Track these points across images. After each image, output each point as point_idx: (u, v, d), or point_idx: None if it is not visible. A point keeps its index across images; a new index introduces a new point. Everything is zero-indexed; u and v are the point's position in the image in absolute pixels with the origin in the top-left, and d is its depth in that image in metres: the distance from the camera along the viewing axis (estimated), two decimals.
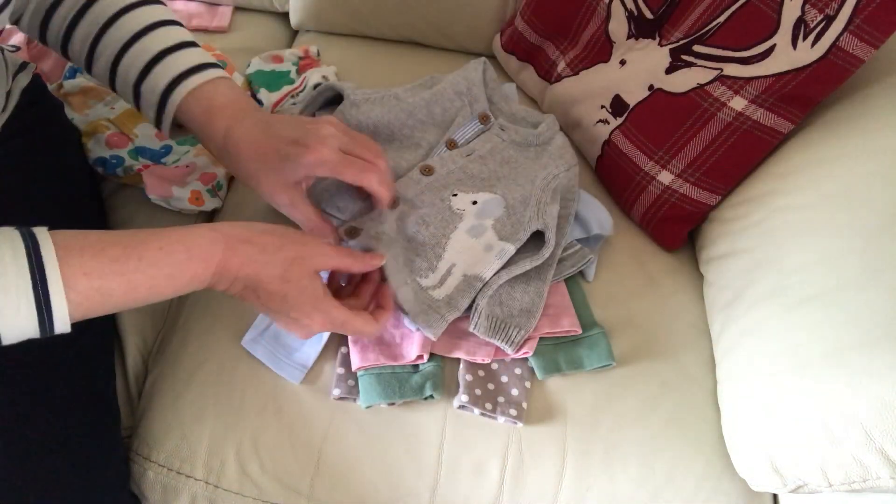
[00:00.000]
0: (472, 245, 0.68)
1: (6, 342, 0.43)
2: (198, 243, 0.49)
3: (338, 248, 0.59)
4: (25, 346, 0.44)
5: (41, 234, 0.44)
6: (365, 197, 0.67)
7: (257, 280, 0.52)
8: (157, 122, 0.62)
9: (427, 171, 0.73)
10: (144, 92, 0.61)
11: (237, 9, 1.06)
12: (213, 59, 0.62)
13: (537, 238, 0.69)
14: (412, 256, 0.67)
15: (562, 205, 0.73)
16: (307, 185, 0.64)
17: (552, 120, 0.80)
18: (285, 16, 1.06)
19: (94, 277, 0.44)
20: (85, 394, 0.61)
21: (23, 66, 0.71)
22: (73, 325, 0.45)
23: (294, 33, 1.08)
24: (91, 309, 0.45)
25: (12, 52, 0.87)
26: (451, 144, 0.77)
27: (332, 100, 0.80)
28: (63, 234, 0.45)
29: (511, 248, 0.67)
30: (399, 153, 0.76)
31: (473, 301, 0.66)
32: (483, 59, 0.83)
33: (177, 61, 0.60)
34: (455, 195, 0.72)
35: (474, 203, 0.71)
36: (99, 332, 0.66)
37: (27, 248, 0.43)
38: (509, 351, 0.65)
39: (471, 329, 0.64)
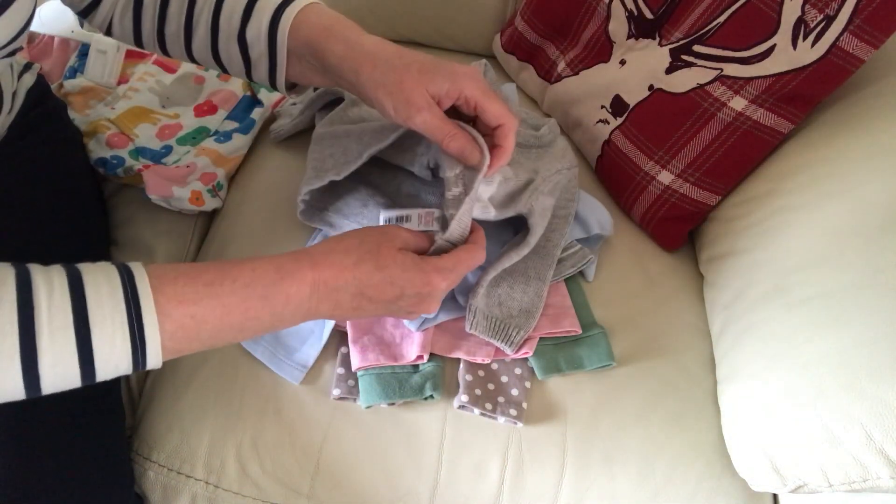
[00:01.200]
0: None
1: (100, 378, 0.43)
2: (285, 262, 0.49)
3: (414, 232, 0.56)
4: None
5: (136, 266, 0.44)
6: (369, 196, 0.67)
7: (357, 281, 0.51)
8: (272, 69, 0.61)
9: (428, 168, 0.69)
10: (251, 36, 0.59)
11: None
12: None
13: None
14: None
15: (561, 205, 0.72)
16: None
17: (553, 123, 0.79)
18: None
19: (189, 304, 0.44)
20: (91, 393, 0.61)
21: (28, 67, 0.71)
22: None
23: None
24: (185, 339, 0.45)
25: (7, 56, 0.87)
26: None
27: (331, 102, 0.80)
28: (157, 266, 0.45)
29: (487, 204, 0.63)
30: (399, 157, 0.73)
31: (468, 302, 0.65)
32: (484, 61, 0.82)
33: None
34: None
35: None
36: None
37: (122, 279, 0.43)
38: (509, 351, 0.65)
39: (468, 329, 0.64)
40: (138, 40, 0.65)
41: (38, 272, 0.42)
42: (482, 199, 0.63)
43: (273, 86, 0.63)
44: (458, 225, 0.57)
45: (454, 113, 0.58)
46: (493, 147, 0.57)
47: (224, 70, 0.65)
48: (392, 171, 0.73)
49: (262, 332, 0.49)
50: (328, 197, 0.71)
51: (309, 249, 0.52)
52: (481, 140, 0.56)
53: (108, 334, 0.41)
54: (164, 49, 0.65)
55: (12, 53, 0.57)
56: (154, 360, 0.44)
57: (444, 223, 0.58)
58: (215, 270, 0.46)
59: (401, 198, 0.71)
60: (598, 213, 0.74)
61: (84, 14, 0.64)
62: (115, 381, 0.66)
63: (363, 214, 0.68)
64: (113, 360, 0.42)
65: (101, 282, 0.42)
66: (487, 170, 0.57)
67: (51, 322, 0.40)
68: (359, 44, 0.57)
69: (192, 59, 0.65)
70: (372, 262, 0.51)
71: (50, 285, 0.41)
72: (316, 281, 0.49)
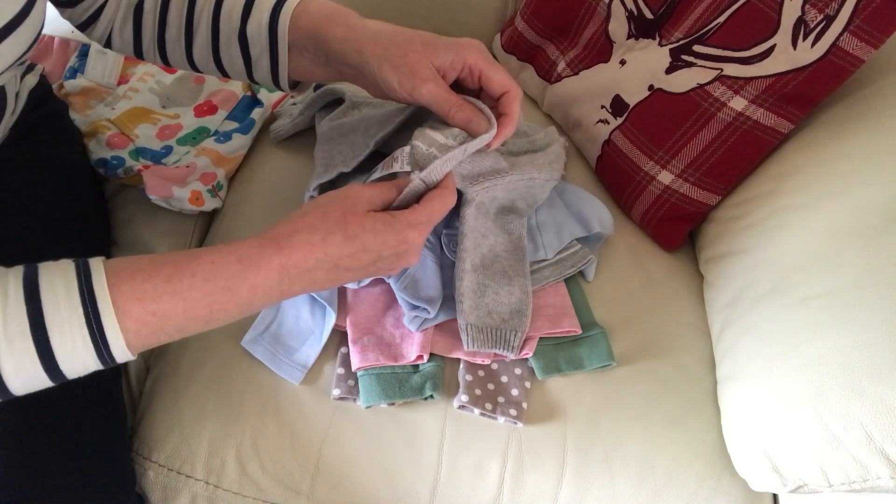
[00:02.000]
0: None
1: (71, 377, 0.43)
2: (247, 251, 0.47)
3: (377, 184, 0.54)
4: None
5: (94, 264, 0.43)
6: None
7: (329, 256, 0.49)
8: (273, 65, 0.60)
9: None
10: (251, 33, 0.58)
11: None
12: None
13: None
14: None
15: (520, 213, 0.72)
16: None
17: (552, 130, 0.78)
18: None
19: (149, 301, 0.43)
20: (93, 394, 0.61)
21: (30, 68, 0.71)
22: None
23: None
24: (151, 335, 0.44)
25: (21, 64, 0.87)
26: (444, 149, 0.74)
27: (332, 103, 0.80)
28: (115, 261, 0.44)
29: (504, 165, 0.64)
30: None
31: (458, 322, 0.64)
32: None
33: None
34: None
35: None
36: None
37: (79, 280, 0.42)
38: (511, 356, 0.65)
39: (466, 348, 0.64)
40: (138, 49, 0.64)
41: None
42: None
43: (276, 84, 0.63)
44: (440, 169, 0.54)
45: (458, 88, 0.57)
46: (500, 116, 0.57)
47: (225, 74, 0.64)
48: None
49: (233, 320, 0.48)
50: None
51: (272, 233, 0.49)
52: (488, 110, 0.56)
53: (68, 338, 0.41)
54: (164, 56, 0.64)
55: (23, 64, 0.57)
56: (122, 356, 0.43)
57: (415, 162, 0.55)
58: (173, 264, 0.44)
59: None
60: (598, 212, 0.74)
61: (83, 28, 0.64)
62: (117, 382, 0.66)
63: None
64: (79, 361, 0.42)
65: (57, 284, 0.41)
66: (494, 139, 0.56)
67: (6, 329, 0.40)
68: (360, 25, 0.57)
69: (193, 66, 0.64)
70: (340, 233, 0.49)
71: (5, 291, 0.41)
72: (284, 265, 0.47)
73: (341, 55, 0.57)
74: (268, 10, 0.59)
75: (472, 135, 0.57)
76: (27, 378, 0.42)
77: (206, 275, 0.45)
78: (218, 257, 0.46)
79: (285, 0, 0.59)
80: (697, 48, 0.73)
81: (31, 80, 0.71)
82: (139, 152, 0.79)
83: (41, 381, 0.42)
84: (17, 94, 0.67)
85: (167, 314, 0.44)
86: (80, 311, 0.41)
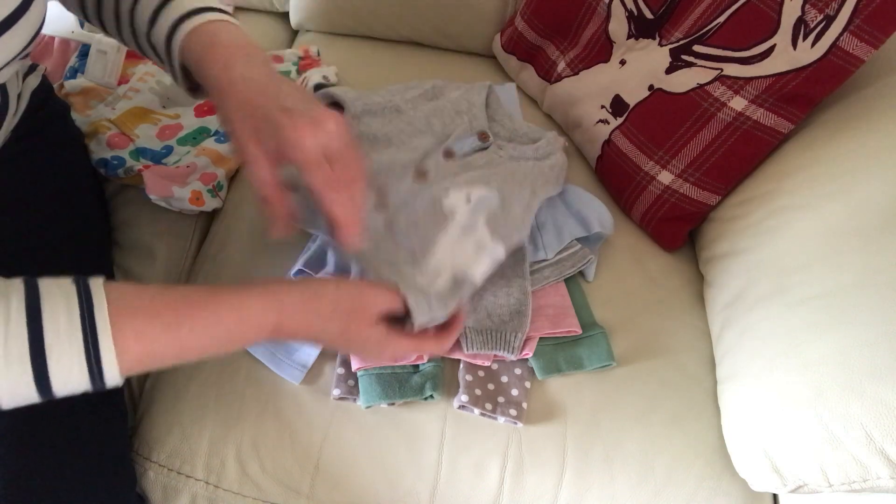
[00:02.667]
0: (463, 244, 0.66)
1: (58, 395, 0.44)
2: (251, 311, 0.49)
3: (392, 293, 0.56)
4: None
5: (96, 292, 0.44)
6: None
7: (316, 339, 0.55)
8: (172, 72, 0.59)
9: (421, 176, 0.71)
10: (155, 40, 0.57)
11: (237, 9, 1.06)
12: (226, 9, 0.58)
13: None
14: (400, 263, 0.64)
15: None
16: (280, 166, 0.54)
17: (553, 136, 0.79)
18: (285, 16, 1.06)
19: (147, 342, 0.45)
20: (94, 395, 0.61)
21: (32, 68, 0.71)
22: None
23: (294, 33, 1.08)
24: (142, 368, 0.46)
25: (22, 59, 0.87)
26: (448, 154, 0.75)
27: (331, 104, 0.80)
28: (118, 292, 0.44)
29: (502, 252, 0.66)
30: (394, 157, 0.74)
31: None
32: (489, 83, 0.82)
33: (182, 3, 0.56)
34: (448, 194, 0.69)
35: (468, 201, 0.68)
36: None
37: (80, 309, 0.43)
38: (512, 357, 0.65)
39: (466, 350, 0.64)
40: (84, 12, 0.63)
41: None
42: (475, 281, 0.65)
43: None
44: (429, 320, 0.58)
45: None
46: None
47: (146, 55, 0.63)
48: (379, 160, 0.73)
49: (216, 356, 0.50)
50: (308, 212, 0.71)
51: (280, 296, 0.50)
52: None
53: (65, 365, 0.42)
54: (103, 28, 0.63)
55: (24, 59, 0.57)
56: (112, 383, 0.44)
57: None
58: (174, 311, 0.46)
59: (400, 202, 0.70)
60: (598, 212, 0.74)
61: None
62: None
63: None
64: (71, 386, 0.43)
65: (59, 309, 0.42)
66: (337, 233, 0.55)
67: (7, 351, 0.41)
68: (231, 74, 0.53)
69: (126, 44, 0.63)
70: (339, 328, 0.53)
71: (7, 310, 0.41)
72: (278, 329, 0.50)
73: (212, 93, 0.55)
74: (167, 26, 0.56)
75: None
76: (18, 397, 0.43)
77: (205, 326, 0.47)
78: (221, 311, 0.48)
79: (185, 19, 0.55)
80: (697, 48, 0.73)
81: (34, 80, 0.71)
82: (139, 152, 0.79)
83: (29, 399, 0.43)
84: (19, 95, 0.67)
85: (162, 355, 0.46)
86: (81, 342, 0.42)
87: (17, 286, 0.43)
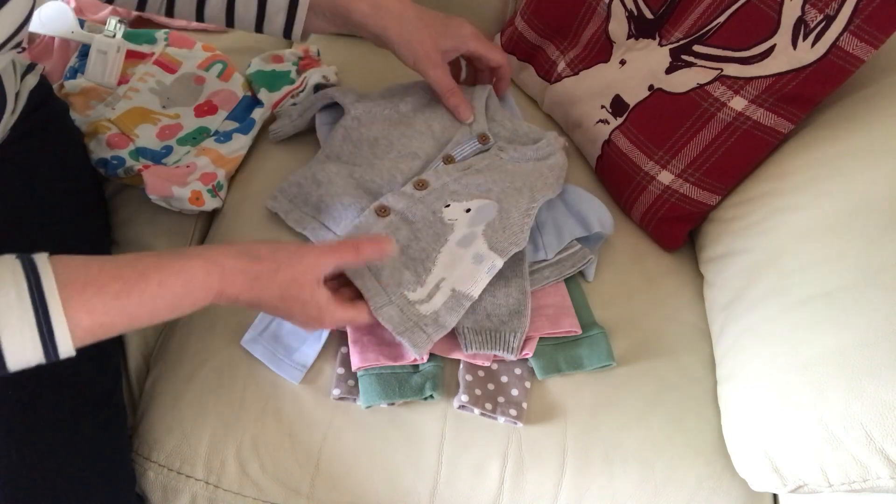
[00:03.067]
0: (462, 256, 0.67)
1: (11, 370, 0.44)
2: (195, 275, 0.51)
3: (334, 245, 0.61)
4: None
5: (43, 267, 0.44)
6: (363, 206, 0.69)
7: (258, 302, 0.55)
8: (289, 22, 0.69)
9: (421, 185, 0.71)
10: None
11: None
12: None
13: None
14: (401, 269, 0.66)
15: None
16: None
17: (553, 136, 0.79)
18: None
19: (97, 315, 0.45)
20: (93, 395, 0.61)
21: (31, 68, 0.71)
22: None
23: None
24: (93, 339, 0.47)
25: (19, 52, 0.87)
26: (448, 160, 0.75)
27: (332, 104, 0.80)
28: (65, 266, 0.45)
29: (499, 263, 0.66)
30: (395, 164, 0.74)
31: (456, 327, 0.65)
32: (489, 86, 0.82)
33: None
34: (448, 206, 0.70)
35: (467, 211, 0.70)
36: None
37: (30, 286, 0.43)
38: (511, 358, 0.65)
39: (465, 351, 0.64)
40: (142, 3, 0.67)
41: None
42: (473, 296, 0.66)
43: (286, 36, 0.71)
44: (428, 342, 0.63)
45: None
46: (496, 80, 0.81)
47: (230, 24, 0.70)
48: (381, 166, 0.74)
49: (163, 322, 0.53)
50: (323, 205, 0.72)
51: (220, 259, 0.53)
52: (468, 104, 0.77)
53: (18, 341, 0.43)
54: (170, 9, 0.69)
55: (15, 49, 0.57)
56: (66, 354, 0.45)
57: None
58: (123, 281, 0.47)
59: (400, 210, 0.71)
60: (598, 212, 0.74)
61: None
62: (117, 382, 0.66)
63: (351, 223, 0.70)
64: (24, 361, 0.44)
65: (8, 286, 0.43)
66: (497, 89, 0.81)
67: None
68: (382, 6, 0.70)
69: (200, 17, 0.69)
70: (278, 292, 0.55)
71: None
72: (221, 293, 0.52)
73: (363, 26, 0.70)
74: None
75: (457, 118, 0.78)
76: None
77: (152, 294, 0.48)
78: (165, 279, 0.49)
79: None
80: (697, 48, 0.73)
81: (32, 80, 0.71)
82: (139, 152, 0.79)
83: None
84: (17, 94, 0.67)
85: (113, 325, 0.47)
86: (32, 317, 0.43)
87: None
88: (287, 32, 0.71)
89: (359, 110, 0.77)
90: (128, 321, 0.48)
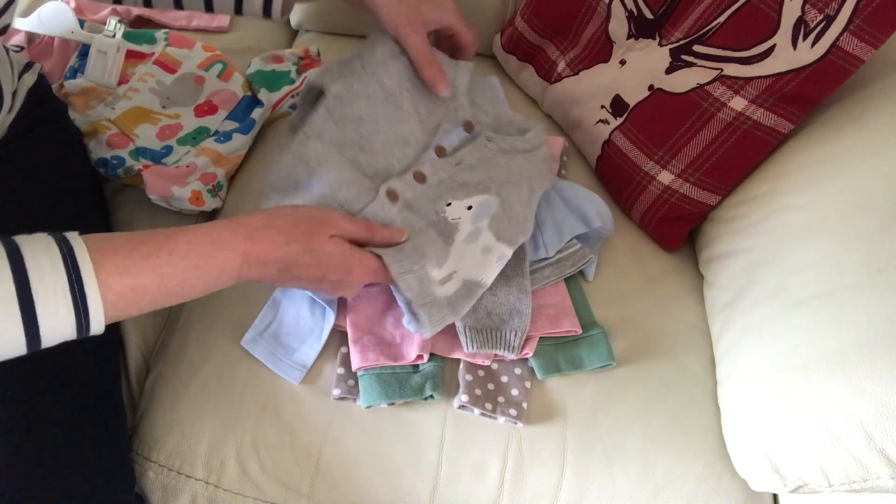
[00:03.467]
0: (471, 250, 0.66)
1: (45, 345, 0.44)
2: (221, 234, 0.52)
3: (355, 219, 0.61)
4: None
5: (74, 238, 0.46)
6: (365, 187, 0.66)
7: (286, 259, 0.54)
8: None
9: (420, 178, 0.69)
10: None
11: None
12: None
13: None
14: (423, 244, 0.64)
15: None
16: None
17: (540, 129, 0.76)
18: None
19: (128, 276, 0.46)
20: (93, 395, 0.61)
21: (28, 66, 0.71)
22: None
23: (294, 33, 1.08)
24: (126, 307, 0.47)
25: (16, 52, 0.87)
26: (441, 151, 0.71)
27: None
28: (94, 238, 0.47)
29: (509, 253, 0.66)
30: (389, 148, 0.70)
31: (457, 325, 0.65)
32: (471, 64, 0.76)
33: None
34: (449, 204, 0.68)
35: (469, 208, 0.68)
36: (106, 333, 0.66)
37: (62, 252, 0.44)
38: (512, 356, 0.65)
39: (466, 350, 0.64)
40: None
41: None
42: (485, 284, 0.66)
43: (266, 14, 0.70)
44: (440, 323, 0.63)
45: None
46: (456, 53, 0.76)
47: (208, 8, 0.68)
48: (373, 149, 0.70)
49: (195, 297, 0.52)
50: (330, 189, 0.66)
51: (244, 221, 0.54)
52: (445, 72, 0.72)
53: (52, 306, 0.43)
54: None
55: (2, 33, 0.57)
56: (97, 327, 0.46)
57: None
58: (151, 243, 0.48)
59: (404, 201, 0.68)
60: (597, 207, 0.74)
61: None
62: (117, 382, 0.66)
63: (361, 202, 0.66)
64: (58, 330, 0.44)
65: (39, 254, 0.44)
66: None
67: None
68: None
69: (179, 4, 0.68)
70: (303, 244, 0.55)
71: None
72: (248, 253, 0.52)
73: None
74: None
75: (432, 90, 0.71)
76: (5, 341, 0.43)
77: (182, 254, 0.49)
78: (193, 238, 0.50)
79: None
80: (697, 48, 0.73)
81: (30, 79, 0.71)
82: (139, 152, 0.79)
83: (17, 348, 0.44)
84: (14, 93, 0.67)
85: (144, 289, 0.47)
86: (65, 280, 0.43)
87: None
88: (267, 9, 0.69)
89: (339, 88, 0.70)
90: (159, 283, 0.48)
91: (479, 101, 0.77)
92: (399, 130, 0.72)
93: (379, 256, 0.60)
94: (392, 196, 0.66)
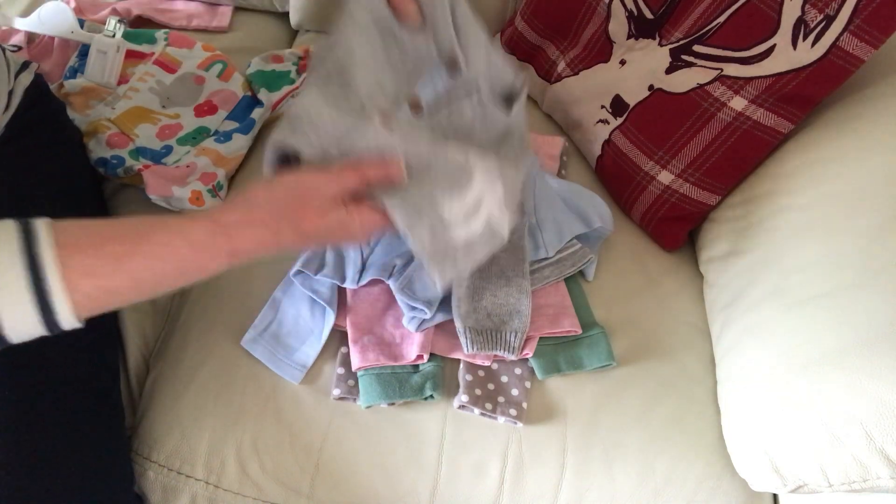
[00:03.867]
0: (494, 187, 0.56)
1: (16, 341, 0.42)
2: (198, 236, 0.48)
3: (339, 172, 0.53)
4: (28, 346, 0.44)
5: (40, 228, 0.42)
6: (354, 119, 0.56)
7: (279, 247, 0.51)
8: None
9: (415, 107, 0.58)
10: None
11: (237, 9, 1.06)
12: None
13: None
14: (434, 178, 0.54)
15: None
16: None
17: (522, 81, 0.64)
18: (285, 16, 1.06)
19: (98, 278, 0.43)
20: (91, 394, 0.61)
21: (25, 66, 0.71)
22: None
23: (294, 33, 1.08)
24: (99, 306, 0.44)
25: (13, 51, 0.87)
26: (415, 106, 0.60)
27: None
28: (62, 228, 0.43)
29: (508, 220, 0.58)
30: (368, 88, 0.57)
31: (457, 326, 0.64)
32: None
33: None
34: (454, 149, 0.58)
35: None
36: (104, 332, 0.66)
37: (22, 244, 0.41)
38: (512, 357, 0.65)
39: (466, 351, 0.64)
40: None
41: None
42: (504, 236, 0.58)
43: None
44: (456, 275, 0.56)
45: None
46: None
47: None
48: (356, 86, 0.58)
49: (178, 288, 0.48)
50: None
51: (220, 218, 0.49)
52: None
53: (12, 305, 0.40)
54: None
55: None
56: (70, 325, 0.43)
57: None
58: (123, 241, 0.44)
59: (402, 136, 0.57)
60: (597, 207, 0.74)
61: None
62: (115, 382, 0.66)
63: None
64: (25, 329, 0.42)
65: (1, 246, 0.40)
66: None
67: None
68: None
69: None
70: (293, 229, 0.50)
71: None
72: (234, 252, 0.49)
73: None
74: None
75: (397, 14, 0.56)
76: None
77: (157, 255, 0.45)
78: (170, 240, 0.46)
79: None
80: (697, 48, 0.73)
81: (26, 78, 0.71)
82: (139, 152, 0.79)
83: None
84: (10, 92, 0.67)
85: (117, 290, 0.44)
86: (24, 278, 0.40)
87: None
88: None
89: (321, 44, 0.60)
90: (133, 285, 0.45)
91: (467, 36, 0.61)
92: (368, 75, 0.58)
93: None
94: (386, 119, 0.56)
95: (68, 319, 0.42)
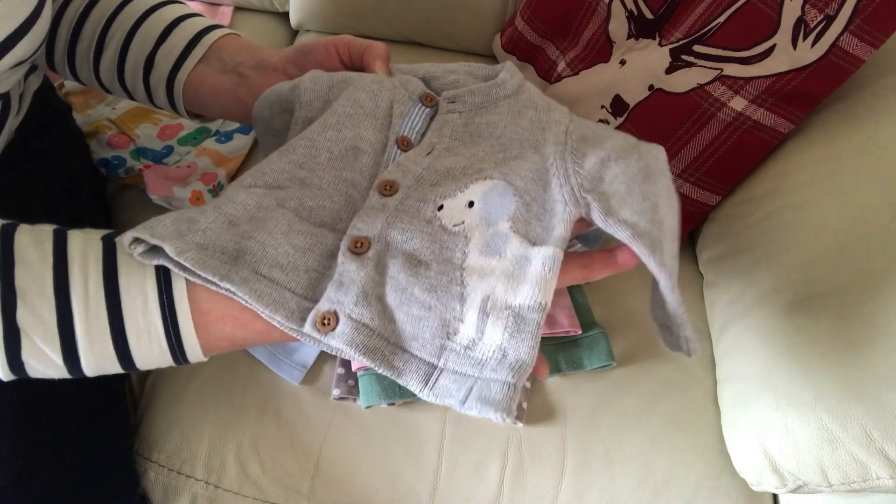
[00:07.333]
0: (501, 266, 0.44)
1: (144, 369, 0.45)
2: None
3: None
4: None
5: (179, 295, 0.42)
6: (325, 245, 0.46)
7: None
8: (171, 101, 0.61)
9: (388, 188, 0.48)
10: (160, 56, 0.60)
11: (237, 9, 1.06)
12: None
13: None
14: (425, 316, 0.43)
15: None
16: None
17: (510, 66, 0.57)
18: (285, 16, 1.06)
19: (225, 341, 0.45)
20: (99, 394, 0.61)
21: (33, 69, 0.71)
22: None
23: (294, 33, 1.08)
24: (225, 349, 0.46)
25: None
26: (405, 143, 0.51)
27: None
28: (203, 292, 0.43)
29: (558, 254, 0.44)
30: (337, 173, 0.49)
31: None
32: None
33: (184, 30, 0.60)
34: (441, 207, 0.46)
35: (471, 205, 0.46)
36: None
37: (160, 295, 0.42)
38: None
39: None
40: (50, 59, 0.65)
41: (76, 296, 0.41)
42: (544, 306, 0.43)
43: (173, 108, 0.62)
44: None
45: None
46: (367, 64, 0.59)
47: (129, 95, 0.64)
48: (319, 182, 0.49)
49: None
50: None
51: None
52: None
53: (145, 346, 0.42)
54: (73, 70, 0.65)
55: (25, 63, 0.58)
56: (196, 360, 0.45)
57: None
58: (265, 321, 0.43)
59: (375, 239, 0.46)
60: None
61: None
62: (120, 382, 0.66)
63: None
64: (153, 363, 0.44)
65: (134, 290, 0.42)
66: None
67: (89, 333, 0.41)
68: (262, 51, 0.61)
69: (99, 81, 0.64)
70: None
71: (85, 288, 0.41)
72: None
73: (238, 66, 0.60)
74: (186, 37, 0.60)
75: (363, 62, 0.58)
76: (102, 369, 0.43)
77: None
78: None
79: (205, 34, 0.60)
80: (697, 48, 0.73)
81: (35, 81, 0.71)
82: (140, 152, 0.79)
83: (115, 370, 0.44)
84: (21, 96, 0.67)
85: (245, 342, 0.46)
86: (161, 328, 0.42)
87: (94, 258, 0.42)
88: (172, 105, 0.61)
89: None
90: (259, 339, 0.46)
91: (427, 68, 0.58)
92: (341, 138, 0.50)
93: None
94: (359, 246, 0.45)
95: (196, 357, 0.44)
